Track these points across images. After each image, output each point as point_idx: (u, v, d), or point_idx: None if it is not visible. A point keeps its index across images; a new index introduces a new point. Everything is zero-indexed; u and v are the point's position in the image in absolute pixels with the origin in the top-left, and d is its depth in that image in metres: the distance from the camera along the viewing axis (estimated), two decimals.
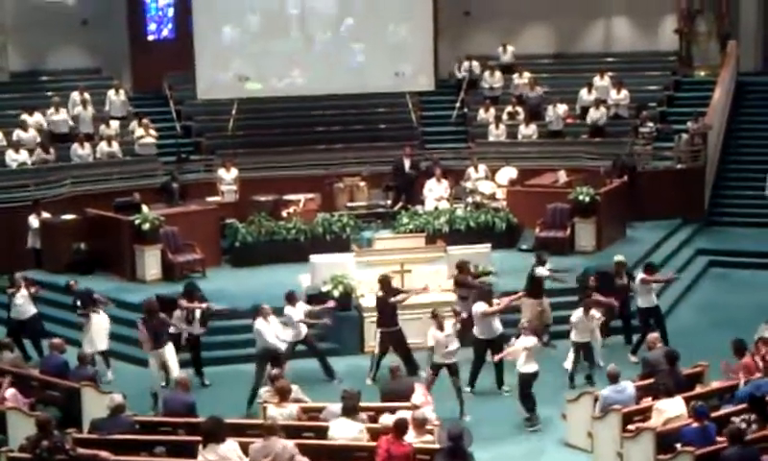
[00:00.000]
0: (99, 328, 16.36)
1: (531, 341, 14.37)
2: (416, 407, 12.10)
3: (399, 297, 16.00)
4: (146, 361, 16.27)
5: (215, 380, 16.00)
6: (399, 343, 15.78)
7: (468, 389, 15.29)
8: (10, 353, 14.72)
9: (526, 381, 14.26)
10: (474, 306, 15.42)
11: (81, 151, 23.13)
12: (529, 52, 27.64)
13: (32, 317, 17.10)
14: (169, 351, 15.07)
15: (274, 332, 15.16)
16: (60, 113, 23.65)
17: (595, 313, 15.83)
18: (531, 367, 14.25)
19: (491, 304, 15.34)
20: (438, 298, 17.00)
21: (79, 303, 16.57)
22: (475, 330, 15.34)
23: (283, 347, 15.17)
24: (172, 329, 15.57)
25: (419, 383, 13.40)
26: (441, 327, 14.55)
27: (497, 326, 15.39)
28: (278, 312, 15.60)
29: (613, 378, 13.11)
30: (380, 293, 16.00)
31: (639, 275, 16.75)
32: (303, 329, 15.81)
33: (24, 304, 17.03)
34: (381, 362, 15.65)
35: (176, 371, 14.74)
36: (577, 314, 15.59)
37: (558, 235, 20.19)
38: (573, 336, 15.63)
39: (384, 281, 16.02)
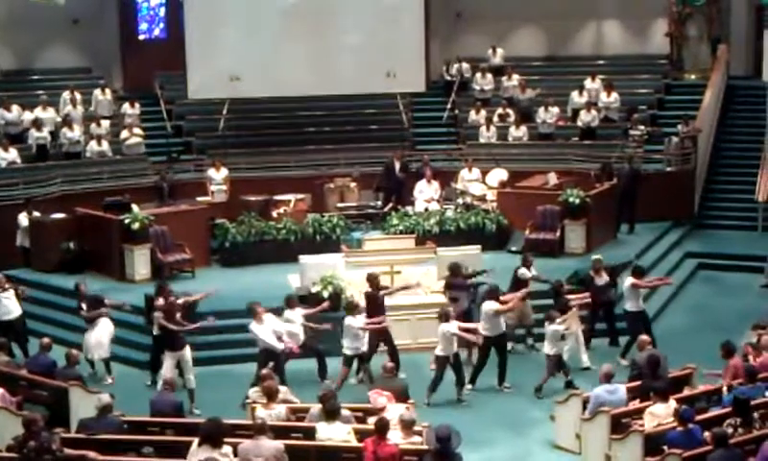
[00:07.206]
0: (104, 334, 16.21)
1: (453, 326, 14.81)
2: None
3: (390, 289, 16.40)
4: (137, 362, 16.29)
5: (199, 381, 15.66)
6: (387, 339, 15.78)
7: (470, 387, 15.39)
8: (4, 356, 14.51)
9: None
10: (485, 304, 15.49)
11: (70, 134, 23.02)
12: (520, 54, 27.65)
13: (18, 317, 16.77)
14: (187, 353, 15.03)
15: (269, 331, 15.06)
16: (48, 111, 23.53)
17: (575, 320, 16.10)
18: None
19: (499, 303, 15.53)
20: (427, 300, 17.08)
21: (84, 306, 16.46)
22: (482, 328, 15.36)
23: (280, 346, 15.06)
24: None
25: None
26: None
27: (503, 323, 15.57)
28: (273, 313, 15.50)
29: (607, 378, 13.10)
30: (369, 289, 16.06)
31: (629, 279, 16.74)
32: (302, 334, 15.65)
33: (9, 305, 16.65)
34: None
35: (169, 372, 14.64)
36: (546, 325, 15.50)
37: (548, 237, 20.23)
38: (546, 348, 15.46)
39: (372, 278, 16.12)
